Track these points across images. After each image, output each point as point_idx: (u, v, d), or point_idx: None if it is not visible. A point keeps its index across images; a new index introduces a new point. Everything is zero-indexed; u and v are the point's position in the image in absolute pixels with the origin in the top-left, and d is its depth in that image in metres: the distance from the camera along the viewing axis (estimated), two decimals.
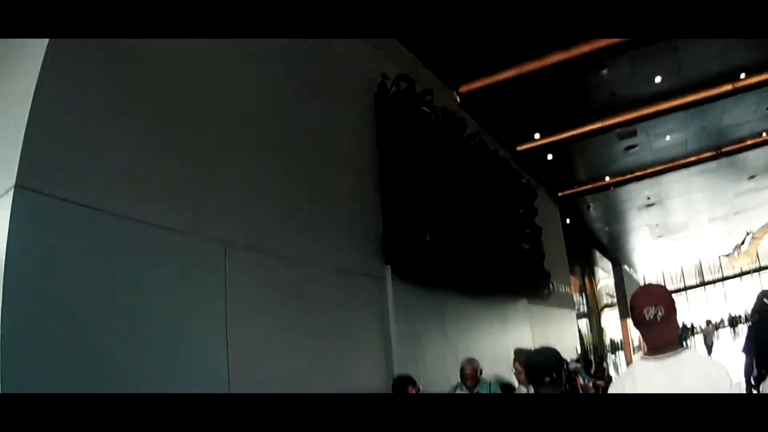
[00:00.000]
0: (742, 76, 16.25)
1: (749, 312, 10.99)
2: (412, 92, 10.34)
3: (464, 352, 10.40)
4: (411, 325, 9.60)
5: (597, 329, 33.38)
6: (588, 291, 32.59)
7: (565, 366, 5.00)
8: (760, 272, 58.53)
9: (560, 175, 22.42)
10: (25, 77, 4.58)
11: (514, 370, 8.91)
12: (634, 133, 19.17)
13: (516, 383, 9.10)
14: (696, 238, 46.01)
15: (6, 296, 3.90)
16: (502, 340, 13.43)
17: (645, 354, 3.87)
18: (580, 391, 10.65)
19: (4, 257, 3.97)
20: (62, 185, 4.49)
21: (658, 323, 3.64)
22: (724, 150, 22.34)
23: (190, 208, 5.75)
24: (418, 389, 7.76)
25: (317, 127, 8.29)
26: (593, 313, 33.10)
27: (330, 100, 8.82)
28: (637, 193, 26.88)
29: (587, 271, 33.67)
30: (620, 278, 43.85)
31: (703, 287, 63.90)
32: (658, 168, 23.30)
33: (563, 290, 20.97)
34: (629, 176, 23.89)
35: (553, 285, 17.64)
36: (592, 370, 19.97)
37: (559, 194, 23.87)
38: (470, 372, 8.58)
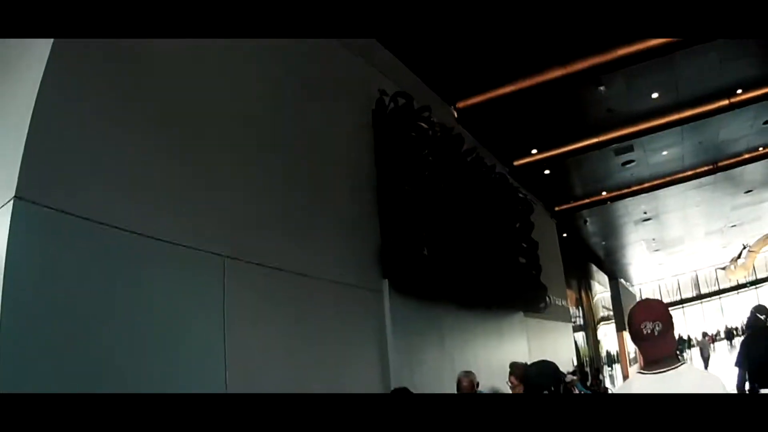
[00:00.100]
0: (739, 91, 16.30)
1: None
2: (410, 108, 10.40)
3: (461, 364, 10.43)
4: (408, 338, 9.63)
5: (593, 342, 33.35)
6: (584, 304, 32.58)
7: (562, 379, 5.09)
8: (757, 285, 58.48)
9: (557, 190, 22.45)
10: (25, 89, 4.63)
11: (509, 384, 8.97)
12: (630, 149, 19.22)
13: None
14: (692, 251, 45.97)
15: (5, 307, 3.93)
16: (499, 353, 13.42)
17: (642, 368, 3.93)
18: None
19: (3, 268, 4.00)
20: (62, 197, 4.52)
21: (656, 338, 3.71)
22: (720, 164, 22.37)
23: (189, 220, 5.79)
24: None
25: (316, 142, 8.35)
26: (589, 326, 33.07)
27: (328, 115, 8.87)
28: (633, 207, 26.93)
29: (584, 284, 33.66)
30: (617, 292, 43.80)
31: (699, 300, 63.78)
32: (654, 183, 23.32)
33: (560, 303, 20.97)
34: (626, 191, 23.93)
35: (549, 298, 17.64)
36: (589, 383, 19.99)
37: (556, 209, 23.87)
38: (467, 384, 8.61)
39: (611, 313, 41.80)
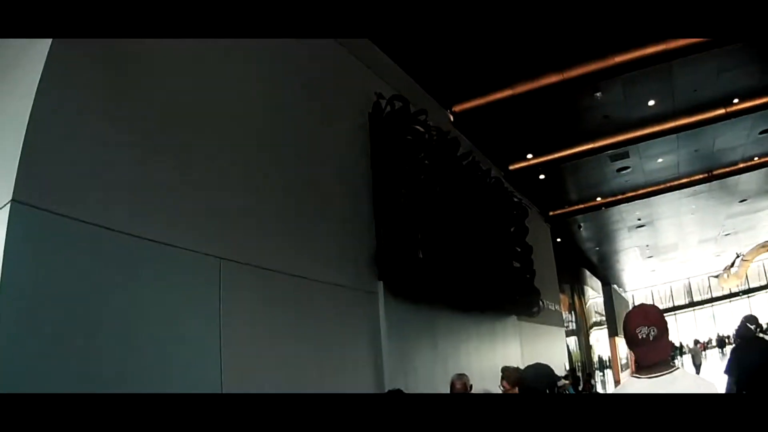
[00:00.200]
0: (735, 101, 16.37)
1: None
2: (406, 112, 10.41)
3: (454, 367, 10.47)
4: (402, 340, 9.65)
5: (585, 347, 33.39)
6: (577, 309, 32.62)
7: (557, 382, 5.11)
8: (749, 295, 58.54)
9: (552, 195, 22.48)
10: (22, 92, 4.63)
11: (501, 388, 8.99)
12: (626, 155, 19.26)
13: None
14: (686, 259, 46.02)
15: (2, 310, 3.95)
16: (492, 356, 13.46)
17: (636, 373, 3.95)
18: None
19: (0, 271, 3.99)
20: (59, 200, 4.53)
21: (651, 343, 3.74)
22: (715, 173, 22.44)
23: (185, 223, 5.81)
24: None
25: (313, 144, 8.39)
26: (582, 331, 33.12)
27: (325, 118, 8.91)
28: (628, 213, 26.98)
29: (577, 289, 33.70)
30: (609, 297, 43.81)
31: (691, 308, 63.79)
32: (649, 189, 23.39)
33: (553, 308, 20.99)
34: (620, 197, 23.99)
35: (542, 302, 17.66)
36: (580, 387, 20.02)
37: (551, 213, 23.91)
38: (460, 387, 8.63)
39: (604, 318, 41.83)
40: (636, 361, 3.95)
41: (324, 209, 8.37)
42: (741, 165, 21.99)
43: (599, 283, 42.35)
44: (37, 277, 4.30)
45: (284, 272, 7.18)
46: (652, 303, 4.23)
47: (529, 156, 18.46)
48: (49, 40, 4.64)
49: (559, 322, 22.58)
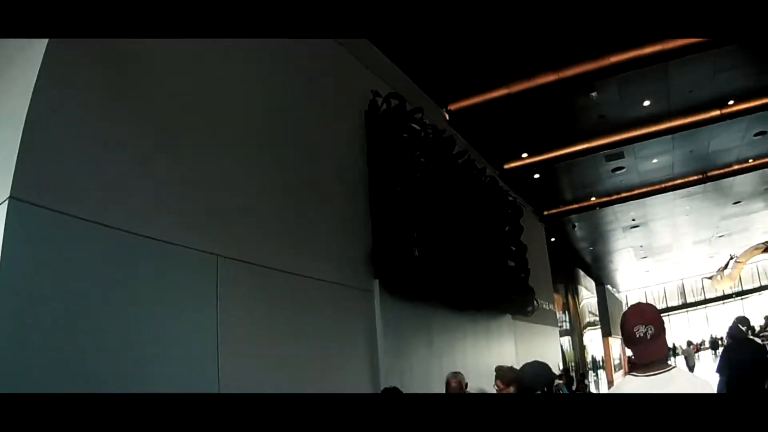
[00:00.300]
0: (731, 102, 16.41)
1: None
2: (402, 110, 10.43)
3: (449, 365, 10.47)
4: (398, 338, 9.66)
5: (579, 347, 33.43)
6: (571, 309, 32.66)
7: (554, 380, 5.13)
8: (742, 296, 58.64)
9: (547, 194, 22.52)
10: (20, 89, 4.62)
11: (496, 388, 9.01)
12: (621, 155, 19.30)
13: None
14: (679, 260, 46.09)
15: (0, 307, 3.96)
16: (487, 355, 13.47)
17: (633, 371, 4.00)
18: None
19: None
20: (57, 197, 4.52)
21: (648, 341, 3.78)
22: (710, 174, 22.50)
23: (183, 220, 5.80)
24: None
25: (309, 142, 8.38)
26: (576, 331, 33.16)
27: (322, 116, 8.90)
28: (622, 214, 27.03)
29: (571, 289, 33.74)
30: (603, 297, 43.85)
31: (685, 309, 63.87)
32: (644, 190, 23.44)
33: (547, 307, 20.97)
34: (615, 197, 24.04)
35: (537, 302, 17.62)
36: (574, 387, 20.08)
37: (545, 213, 23.92)
38: (455, 385, 8.64)
39: (597, 318, 41.88)
40: (633, 359, 3.98)
41: (320, 207, 8.37)
42: (735, 167, 22.06)
43: (593, 283, 42.41)
44: (34, 274, 4.29)
45: (281, 269, 7.18)
46: (649, 302, 4.26)
47: (524, 155, 18.50)
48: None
49: (554, 322, 22.58)
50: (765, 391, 9.73)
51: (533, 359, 5.34)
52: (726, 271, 49.55)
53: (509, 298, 15.12)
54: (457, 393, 8.62)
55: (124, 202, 5.17)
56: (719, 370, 10.10)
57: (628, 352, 43.73)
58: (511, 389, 8.37)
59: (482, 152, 16.25)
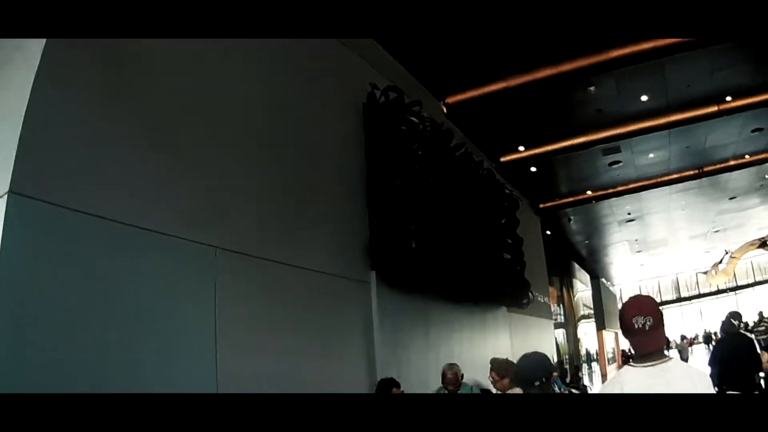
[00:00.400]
0: (728, 98, 16.43)
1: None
2: (400, 102, 10.43)
3: (445, 356, 10.52)
4: (394, 330, 9.71)
5: (573, 340, 33.46)
6: (566, 302, 32.66)
7: (552, 371, 5.16)
8: (737, 292, 58.69)
9: (543, 187, 22.53)
10: (19, 84, 4.65)
11: (491, 379, 9.06)
12: (618, 149, 19.29)
13: (493, 390, 9.27)
14: (674, 254, 46.08)
15: (0, 299, 4.01)
16: (483, 347, 13.53)
17: (631, 362, 4.07)
18: None
19: None
20: (56, 191, 4.56)
21: (647, 332, 3.85)
22: (706, 170, 22.50)
23: (181, 212, 5.85)
24: (402, 392, 7.87)
25: (307, 135, 8.41)
26: (570, 324, 33.16)
27: (320, 109, 8.93)
28: (618, 207, 27.01)
29: (565, 282, 33.74)
30: (597, 291, 43.81)
31: (679, 303, 63.86)
32: (640, 184, 23.43)
33: (542, 300, 21.00)
34: (611, 191, 24.02)
35: (532, 294, 17.66)
36: (568, 380, 20.13)
37: (541, 206, 23.91)
38: (452, 377, 8.70)
39: (592, 311, 41.89)
40: (631, 350, 4.03)
41: (318, 199, 8.41)
42: (732, 162, 22.06)
43: (588, 277, 42.40)
44: (33, 266, 4.34)
45: (278, 261, 7.23)
46: (647, 294, 4.33)
47: (521, 148, 18.48)
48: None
49: (548, 315, 22.63)
50: (757, 385, 9.86)
51: (529, 351, 5.35)
52: (721, 266, 49.58)
53: (505, 291, 15.16)
54: (452, 384, 8.69)
55: (122, 195, 5.21)
56: (711, 363, 10.22)
57: (623, 346, 43.79)
58: (506, 381, 8.42)
59: (479, 145, 16.28)
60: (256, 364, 6.50)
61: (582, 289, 39.43)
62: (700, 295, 62.95)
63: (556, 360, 22.18)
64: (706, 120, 17.24)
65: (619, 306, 45.69)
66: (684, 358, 36.16)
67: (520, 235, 16.70)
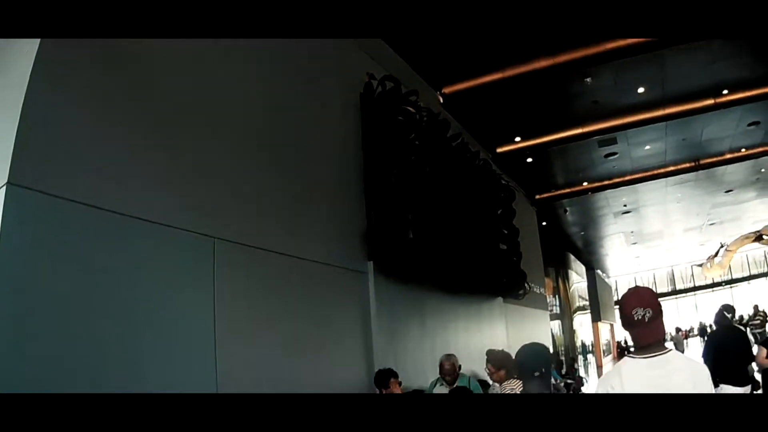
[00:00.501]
0: (725, 92, 16.45)
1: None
2: (397, 92, 10.42)
3: (442, 347, 10.57)
4: (391, 320, 9.72)
5: (569, 331, 33.54)
6: (561, 293, 32.77)
7: (552, 361, 5.17)
8: (732, 285, 58.83)
9: (539, 178, 22.57)
10: (16, 76, 4.64)
11: (487, 371, 9.08)
12: (614, 141, 19.30)
13: (490, 382, 9.30)
14: (670, 247, 46.19)
15: None
16: (479, 337, 13.57)
17: (632, 353, 4.09)
18: (552, 391, 10.86)
19: None
20: (54, 182, 4.56)
21: (646, 324, 3.87)
22: (702, 162, 22.54)
23: (179, 203, 5.84)
24: (400, 382, 7.88)
25: (304, 126, 8.39)
26: (566, 315, 33.28)
27: (317, 100, 8.92)
28: (614, 199, 27.05)
29: (561, 273, 33.84)
30: (593, 282, 43.95)
31: (674, 296, 63.95)
32: (636, 176, 23.47)
33: (538, 291, 21.00)
34: (607, 183, 24.03)
35: (528, 285, 17.64)
36: (564, 371, 20.19)
37: (537, 197, 23.93)
38: (449, 367, 8.72)
39: (587, 303, 41.98)
40: (627, 342, 4.06)
41: (315, 189, 8.41)
42: (728, 156, 22.12)
43: (583, 268, 42.50)
44: (32, 256, 4.34)
45: (277, 252, 7.24)
46: (646, 286, 4.33)
47: (518, 139, 18.50)
48: None
49: (544, 306, 22.64)
50: (750, 378, 9.92)
51: (525, 342, 5.34)
52: (716, 259, 49.61)
53: (501, 282, 15.19)
54: (449, 374, 8.71)
55: (120, 186, 5.21)
56: (704, 355, 10.29)
57: (618, 337, 43.80)
58: (502, 373, 8.45)
59: (475, 135, 16.28)
60: (255, 354, 6.53)
61: (578, 281, 39.55)
62: (695, 288, 63.08)
63: (551, 351, 22.16)
64: (702, 113, 17.27)
65: (615, 298, 45.93)
66: (679, 351, 36.20)
67: (516, 226, 16.70)
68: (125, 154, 5.33)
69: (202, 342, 5.84)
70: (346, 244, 8.99)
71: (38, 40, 4.61)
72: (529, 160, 19.83)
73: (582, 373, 30.29)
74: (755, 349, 10.38)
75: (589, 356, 39.90)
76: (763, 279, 57.23)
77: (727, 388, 9.50)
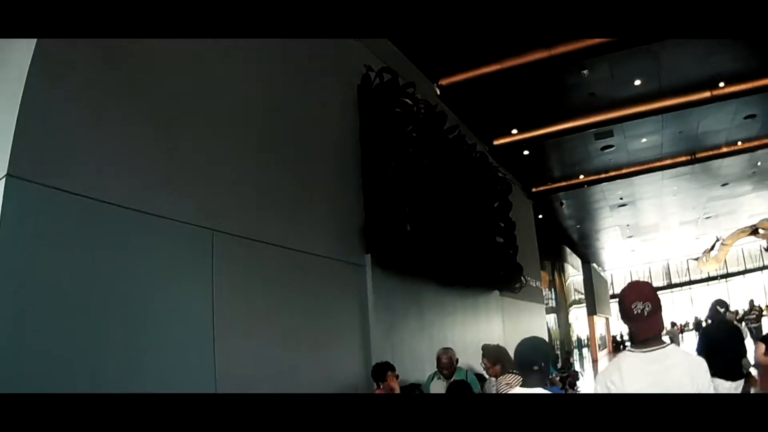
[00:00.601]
0: (721, 84, 16.44)
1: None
2: (395, 84, 10.41)
3: (439, 340, 10.58)
4: (389, 312, 9.73)
5: (565, 325, 33.59)
6: (557, 287, 32.81)
7: (551, 355, 5.15)
8: (727, 279, 58.92)
9: (535, 171, 22.57)
10: (15, 68, 4.63)
11: (483, 365, 9.08)
12: (610, 134, 19.33)
13: (486, 376, 9.30)
14: (666, 240, 46.22)
15: None
16: (476, 331, 13.59)
17: (631, 347, 4.11)
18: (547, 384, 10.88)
19: None
20: (54, 174, 4.56)
21: (645, 318, 3.89)
22: (698, 156, 22.56)
23: (178, 195, 5.85)
24: (397, 375, 7.87)
25: (302, 118, 8.37)
26: (562, 309, 33.32)
27: (314, 92, 8.91)
28: (610, 192, 27.05)
29: (557, 267, 33.89)
30: (589, 276, 44.02)
31: (670, 289, 64.03)
32: (632, 169, 23.49)
33: (534, 284, 20.99)
34: (603, 175, 24.05)
35: (524, 279, 17.66)
36: (559, 365, 20.18)
37: (533, 190, 23.90)
38: (447, 361, 8.72)
39: (583, 296, 42.04)
40: (623, 336, 4.05)
41: (313, 182, 8.41)
42: (724, 149, 22.14)
43: (579, 261, 42.54)
44: (31, 248, 4.34)
45: (275, 244, 7.25)
46: (645, 280, 4.32)
47: (514, 131, 18.49)
48: None
49: (540, 299, 22.65)
50: (744, 373, 9.95)
51: (522, 335, 5.32)
52: (712, 253, 49.66)
53: (497, 275, 15.19)
54: (447, 368, 8.70)
55: (119, 179, 5.22)
56: (698, 350, 10.33)
57: (613, 331, 43.90)
58: (498, 367, 8.47)
59: (472, 128, 16.25)
60: (253, 347, 6.55)
61: (573, 274, 39.59)
62: (690, 282, 63.18)
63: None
64: (699, 105, 17.30)
65: (610, 291, 46.07)
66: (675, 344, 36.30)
67: (512, 219, 16.69)
68: (124, 147, 5.33)
69: (200, 333, 5.84)
70: (343, 237, 8.99)
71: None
72: (526, 152, 19.83)
73: (577, 367, 30.35)
74: (752, 344, 10.42)
75: (585, 350, 39.96)
76: (759, 273, 57.31)
77: (719, 383, 9.52)
